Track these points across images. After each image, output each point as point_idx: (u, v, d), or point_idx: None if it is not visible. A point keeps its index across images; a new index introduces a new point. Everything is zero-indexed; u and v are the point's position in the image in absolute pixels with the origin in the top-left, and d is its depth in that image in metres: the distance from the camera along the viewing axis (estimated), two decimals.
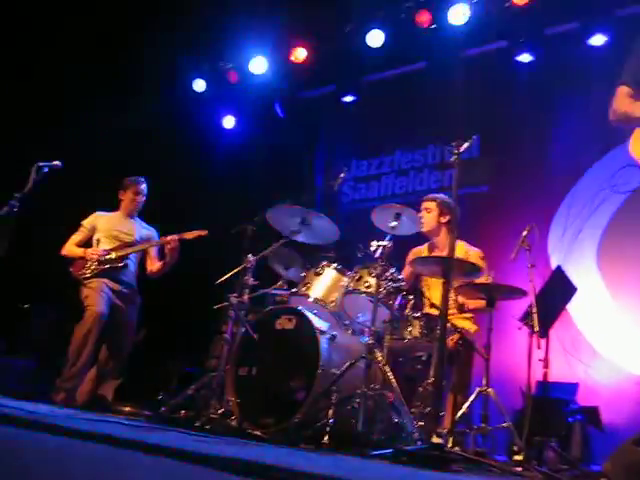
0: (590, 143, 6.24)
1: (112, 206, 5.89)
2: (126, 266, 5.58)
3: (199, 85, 8.19)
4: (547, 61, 6.52)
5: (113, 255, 5.53)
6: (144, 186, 5.84)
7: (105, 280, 5.45)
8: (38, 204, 4.98)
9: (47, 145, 6.04)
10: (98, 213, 5.82)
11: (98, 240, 5.64)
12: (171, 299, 7.05)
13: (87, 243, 5.69)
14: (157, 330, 6.71)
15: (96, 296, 5.33)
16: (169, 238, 5.52)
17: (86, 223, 5.76)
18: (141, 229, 5.83)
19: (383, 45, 7.03)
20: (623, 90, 3.06)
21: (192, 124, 8.15)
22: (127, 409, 5.35)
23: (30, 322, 6.49)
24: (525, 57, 6.54)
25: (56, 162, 4.97)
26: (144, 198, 5.85)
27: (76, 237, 5.70)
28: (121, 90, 7.40)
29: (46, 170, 4.88)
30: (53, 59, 7.22)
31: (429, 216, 5.08)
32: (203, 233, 5.48)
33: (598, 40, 6.15)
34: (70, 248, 5.64)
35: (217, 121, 8.49)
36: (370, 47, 7.06)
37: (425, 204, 5.16)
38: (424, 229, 5.04)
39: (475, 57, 7.02)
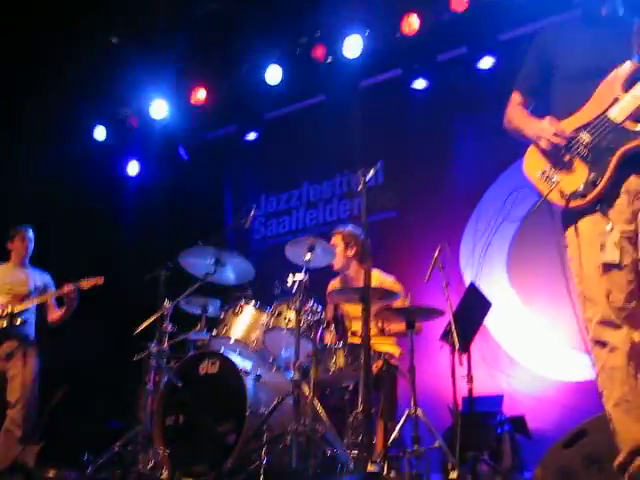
0: (490, 160, 6.46)
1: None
2: (24, 322, 5.45)
3: (100, 132, 8.04)
4: (441, 85, 6.73)
5: (9, 309, 5.36)
6: (30, 233, 5.78)
7: None
8: None
9: None
10: None
11: None
12: (88, 354, 6.85)
13: None
14: (76, 388, 6.49)
15: None
16: (66, 289, 5.48)
17: None
18: (35, 277, 5.70)
19: (282, 81, 7.09)
20: (516, 97, 3.17)
21: (96, 172, 8.00)
22: (51, 474, 5.13)
23: None
24: (420, 83, 6.72)
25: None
26: (32, 245, 5.78)
27: None
28: (25, 139, 7.23)
29: None
30: None
31: (337, 251, 5.07)
32: (100, 281, 5.50)
33: (486, 63, 6.39)
34: None
35: (121, 168, 8.34)
36: (269, 84, 7.11)
37: (332, 240, 5.16)
38: (335, 267, 5.06)
39: (372, 86, 7.17)
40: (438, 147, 6.76)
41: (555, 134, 2.83)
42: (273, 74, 7.05)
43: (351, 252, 5.04)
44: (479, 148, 6.48)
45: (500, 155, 6.19)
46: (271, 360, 4.60)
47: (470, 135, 6.60)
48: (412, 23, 6.34)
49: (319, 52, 6.83)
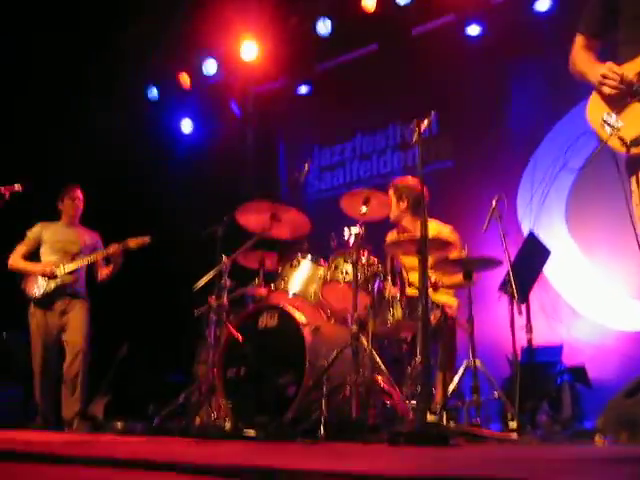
0: (546, 108, 6.30)
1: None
2: (76, 279, 5.62)
3: (153, 92, 8.11)
4: (496, 31, 6.55)
5: (62, 270, 5.51)
6: (79, 191, 5.87)
7: (47, 313, 5.52)
8: None
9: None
10: (42, 223, 5.80)
11: (43, 252, 5.67)
12: (150, 309, 7.02)
13: (33, 253, 5.69)
14: (139, 342, 6.67)
15: (35, 338, 5.52)
16: (112, 249, 5.62)
17: (31, 234, 5.75)
18: (84, 236, 5.83)
19: (331, 32, 7.01)
20: (580, 40, 3.09)
21: (151, 130, 8.09)
22: (119, 425, 5.32)
23: (8, 350, 6.40)
24: (474, 29, 6.57)
25: (16, 185, 5.01)
26: (81, 203, 5.88)
27: (21, 248, 5.69)
28: (83, 96, 7.36)
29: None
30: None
31: (391, 204, 5.04)
32: (146, 240, 5.60)
33: (543, 5, 6.19)
34: (17, 261, 5.64)
35: (175, 126, 8.41)
36: (319, 35, 7.04)
37: (391, 190, 5.14)
38: (390, 219, 5.03)
39: (424, 34, 7.02)
40: (493, 95, 6.62)
41: (620, 77, 2.77)
42: (323, 26, 6.97)
43: (404, 204, 4.99)
44: (535, 95, 6.33)
45: (557, 102, 6.03)
46: (329, 312, 4.63)
47: (526, 82, 6.44)
48: None
49: (369, 1, 6.69)
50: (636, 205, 2.82)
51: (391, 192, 5.07)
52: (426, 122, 3.74)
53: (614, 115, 2.80)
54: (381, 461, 2.36)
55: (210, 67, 7.73)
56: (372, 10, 6.70)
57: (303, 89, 7.58)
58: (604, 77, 2.81)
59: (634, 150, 2.71)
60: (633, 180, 2.82)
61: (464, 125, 6.78)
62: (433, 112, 3.80)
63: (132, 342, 6.66)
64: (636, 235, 2.81)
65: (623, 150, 2.74)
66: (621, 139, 2.74)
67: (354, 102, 7.38)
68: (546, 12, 6.23)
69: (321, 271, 4.50)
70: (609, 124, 2.80)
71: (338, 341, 4.23)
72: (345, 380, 3.88)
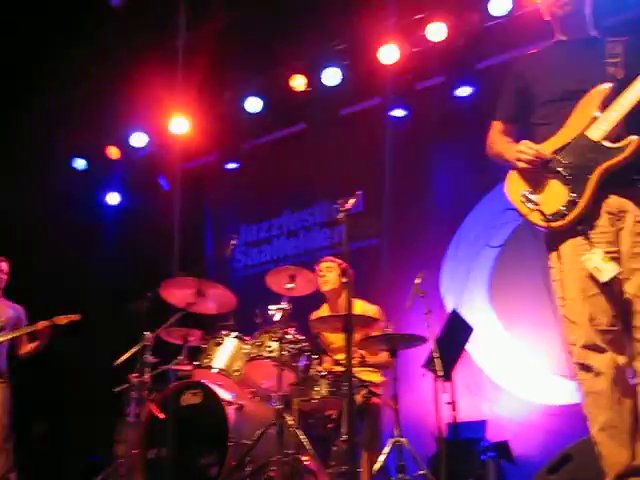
0: (469, 187, 6.51)
1: None
2: None
3: (79, 163, 8.02)
4: (419, 113, 6.80)
5: None
6: (4, 264, 5.73)
7: None
8: None
9: None
10: None
11: None
12: (69, 386, 6.78)
13: None
14: (56, 421, 6.41)
15: None
16: (40, 325, 5.45)
17: None
18: (7, 310, 5.63)
19: (261, 110, 7.14)
20: (496, 126, 3.18)
21: (76, 203, 7.96)
22: None
23: None
24: (399, 112, 6.80)
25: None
26: (5, 277, 5.72)
27: None
28: (4, 170, 7.21)
29: None
30: None
31: (331, 275, 5.07)
32: (75, 318, 5.49)
33: (464, 91, 6.48)
34: None
35: (101, 198, 8.31)
36: (248, 113, 7.15)
37: (326, 264, 5.16)
38: (326, 288, 5.04)
39: (352, 115, 7.22)
40: (418, 174, 6.81)
41: (535, 154, 2.85)
42: (253, 103, 7.10)
43: (345, 280, 5.03)
44: (458, 175, 6.54)
45: (479, 181, 6.25)
46: (253, 390, 4.57)
47: (449, 162, 6.67)
48: (391, 52, 6.41)
49: (298, 81, 6.87)
50: (554, 281, 2.86)
51: (334, 265, 5.10)
52: (352, 200, 3.80)
53: (533, 191, 2.86)
54: None
55: (139, 140, 7.72)
56: (301, 89, 6.87)
57: (231, 165, 7.64)
58: (520, 152, 2.89)
59: (555, 224, 2.77)
60: (553, 256, 2.86)
61: (390, 203, 6.93)
62: (359, 191, 3.86)
63: (50, 421, 6.41)
64: (552, 312, 2.88)
65: (544, 224, 2.79)
66: (542, 213, 2.80)
67: (282, 179, 7.47)
68: (467, 97, 6.51)
69: (246, 348, 4.45)
70: (529, 200, 2.86)
71: (262, 419, 4.17)
72: (269, 460, 3.80)
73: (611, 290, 2.70)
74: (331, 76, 6.70)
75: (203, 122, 7.45)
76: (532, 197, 2.86)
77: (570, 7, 3.04)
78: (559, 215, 2.75)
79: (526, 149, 2.87)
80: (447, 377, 4.47)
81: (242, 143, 7.66)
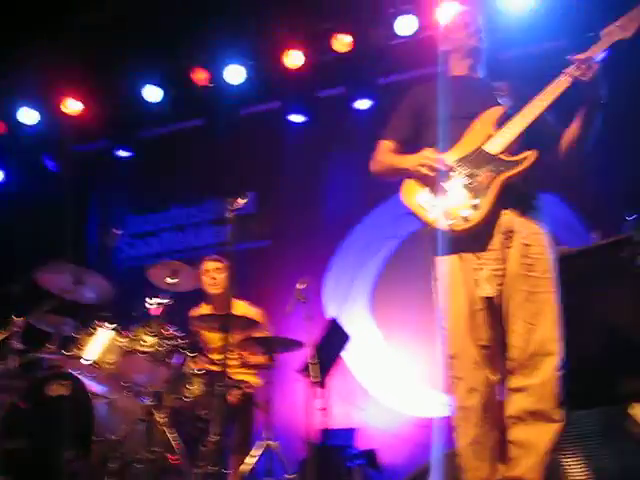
0: (361, 197, 6.62)
1: None
2: None
3: None
4: (318, 121, 6.86)
5: None
6: None
7: None
8: None
9: None
10: None
11: None
12: None
13: None
14: None
15: None
16: None
17: None
18: None
19: (160, 101, 6.99)
20: (385, 144, 3.21)
21: None
22: None
23: None
24: (297, 117, 6.84)
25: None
26: None
27: None
28: None
29: None
30: None
31: (221, 277, 4.97)
32: None
33: (363, 104, 6.60)
34: None
35: None
36: (147, 102, 6.99)
37: (215, 265, 5.06)
38: (216, 291, 4.96)
39: (252, 115, 7.19)
40: (311, 181, 6.86)
41: (438, 160, 2.91)
42: (152, 93, 6.94)
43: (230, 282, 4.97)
44: (351, 185, 6.63)
45: (370, 193, 6.36)
46: (126, 384, 4.45)
47: (343, 171, 6.75)
48: (295, 58, 6.45)
49: (201, 75, 6.79)
50: (437, 294, 2.91)
51: (222, 265, 5.02)
52: (242, 200, 3.78)
53: (434, 195, 2.90)
54: None
55: (28, 116, 7.38)
56: (204, 84, 6.79)
57: (123, 153, 7.43)
58: (425, 158, 2.93)
59: (456, 227, 2.81)
60: (439, 269, 2.90)
61: (281, 207, 6.95)
62: (250, 192, 3.85)
63: None
64: (433, 325, 2.92)
65: (445, 227, 2.82)
66: (445, 216, 2.83)
67: (174, 173, 7.34)
68: (366, 110, 6.63)
69: (121, 341, 4.34)
70: (430, 204, 2.90)
71: (132, 415, 4.07)
72: (135, 457, 3.72)
73: (493, 307, 2.80)
74: (234, 74, 6.66)
75: (98, 106, 7.22)
76: (433, 202, 2.90)
77: (478, 39, 3.20)
78: (462, 219, 2.81)
79: (431, 155, 2.93)
80: (321, 384, 4.51)
81: (137, 132, 7.48)
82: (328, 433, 4.76)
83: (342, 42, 6.28)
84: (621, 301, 3.48)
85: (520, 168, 2.83)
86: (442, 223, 2.83)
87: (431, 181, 2.92)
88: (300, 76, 6.59)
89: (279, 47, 6.49)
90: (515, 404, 2.72)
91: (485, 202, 2.80)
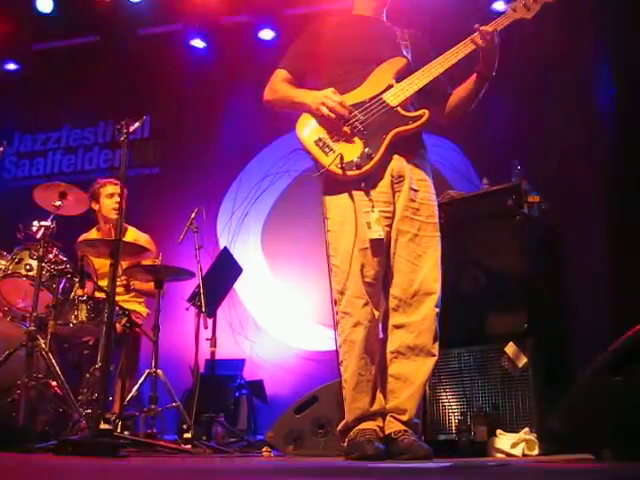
0: (259, 130, 6.55)
1: None
2: None
3: None
4: (221, 48, 6.70)
5: None
6: None
7: None
8: None
9: None
10: None
11: None
12: None
13: None
14: None
15: None
16: None
17: None
18: None
19: (53, 13, 6.61)
20: (281, 73, 3.16)
21: None
22: None
23: None
24: (198, 42, 6.65)
25: None
26: None
27: None
28: None
29: None
30: None
31: (114, 201, 4.81)
32: None
33: (267, 34, 6.48)
34: None
35: None
36: (41, 13, 6.59)
37: (116, 188, 4.82)
38: (116, 215, 4.78)
39: (151, 37, 6.94)
40: (210, 109, 6.73)
41: (340, 103, 2.89)
42: (45, 4, 6.54)
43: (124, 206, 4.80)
44: (250, 117, 6.55)
45: (269, 127, 6.31)
46: (6, 309, 4.30)
47: (243, 102, 6.65)
48: None
49: None
50: (328, 231, 2.96)
51: (118, 189, 4.83)
52: (137, 124, 3.64)
53: (331, 138, 2.91)
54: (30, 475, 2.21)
55: None
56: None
57: (11, 66, 7.02)
58: (326, 98, 2.90)
59: (350, 172, 2.85)
60: (331, 207, 2.95)
61: (177, 133, 6.80)
62: (145, 115, 3.72)
63: None
64: (328, 260, 2.97)
65: (339, 172, 2.84)
66: (339, 161, 2.86)
67: (66, 92, 7.00)
68: (269, 41, 6.52)
69: (2, 264, 4.16)
70: (326, 145, 2.90)
71: (12, 341, 3.93)
72: (15, 383, 3.61)
73: (381, 246, 2.87)
74: None
75: None
76: (329, 143, 2.91)
77: None
78: (354, 165, 2.84)
79: (333, 96, 2.90)
80: (210, 314, 4.52)
81: (27, 45, 7.06)
82: (216, 363, 4.80)
83: None
84: (504, 247, 3.63)
85: (414, 125, 2.91)
86: (335, 167, 2.86)
87: (329, 123, 2.92)
88: (204, 0, 6.38)
89: None
90: (396, 340, 2.86)
91: (378, 153, 2.86)
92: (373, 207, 2.86)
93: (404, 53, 3.06)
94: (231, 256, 5.07)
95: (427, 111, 2.92)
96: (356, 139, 2.89)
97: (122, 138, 3.49)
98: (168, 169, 6.78)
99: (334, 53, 3.10)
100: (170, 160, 6.79)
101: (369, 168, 2.85)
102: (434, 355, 2.85)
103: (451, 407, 3.57)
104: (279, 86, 3.15)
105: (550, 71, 5.58)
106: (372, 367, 2.82)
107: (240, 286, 5.84)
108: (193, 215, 4.56)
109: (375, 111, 2.92)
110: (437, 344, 2.86)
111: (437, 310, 2.87)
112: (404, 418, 2.80)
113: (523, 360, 3.36)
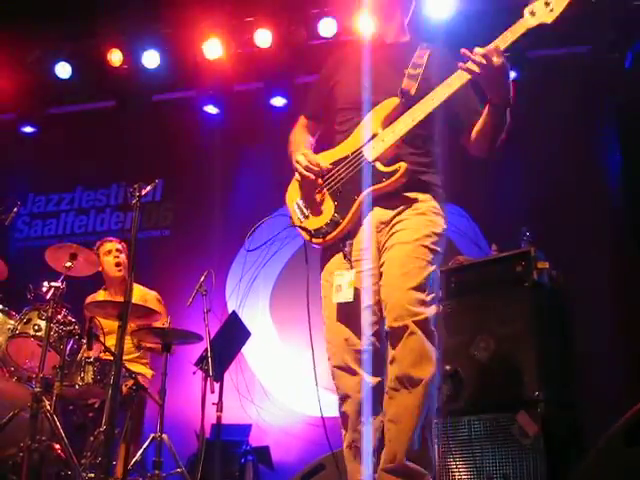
0: (270, 194, 6.60)
1: None
2: None
3: None
4: (232, 114, 6.81)
5: None
6: None
7: None
8: None
9: None
10: None
11: None
12: None
13: None
14: None
15: None
16: None
17: None
18: None
19: (70, 78, 6.77)
20: (301, 119, 3.12)
21: None
22: None
23: None
24: (211, 108, 6.77)
25: None
26: None
27: None
28: None
29: None
30: None
31: (123, 258, 4.94)
32: None
33: (278, 101, 6.60)
34: None
35: None
36: (58, 78, 6.76)
37: (114, 244, 5.00)
38: (121, 274, 4.89)
39: (165, 102, 7.08)
40: (221, 173, 6.80)
41: (307, 167, 2.77)
42: (64, 69, 6.72)
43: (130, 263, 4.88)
44: (261, 181, 6.62)
45: (278, 193, 6.36)
46: (13, 369, 4.28)
47: (254, 167, 6.73)
48: (214, 49, 6.37)
49: (115, 56, 6.61)
50: (323, 297, 2.83)
51: (123, 248, 4.94)
52: (149, 187, 3.69)
53: (305, 203, 2.82)
54: None
55: None
56: (117, 65, 6.62)
57: (28, 129, 7.16)
58: (297, 162, 2.81)
59: (315, 240, 2.74)
60: (324, 272, 2.82)
61: (188, 197, 6.86)
62: (158, 179, 3.76)
63: None
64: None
65: (307, 238, 2.76)
66: (308, 227, 2.76)
67: (81, 154, 7.11)
68: (281, 108, 6.63)
69: (10, 323, 4.17)
70: (301, 211, 2.82)
71: (17, 402, 3.90)
72: (19, 445, 3.57)
73: (357, 309, 2.66)
74: (150, 58, 6.53)
75: (5, 78, 6.91)
76: (303, 208, 2.82)
77: None
78: (321, 233, 2.73)
79: (303, 159, 2.79)
80: (217, 378, 4.48)
81: (45, 108, 7.22)
82: (222, 428, 4.73)
83: (264, 37, 6.25)
84: (513, 313, 3.61)
85: (386, 183, 2.65)
86: (304, 233, 2.78)
87: (307, 184, 2.82)
88: (218, 67, 6.52)
89: (199, 35, 6.41)
90: (389, 377, 2.59)
91: (346, 218, 2.69)
92: (351, 267, 2.65)
93: (406, 87, 2.74)
94: (239, 320, 5.05)
95: (403, 165, 2.62)
96: (329, 202, 2.74)
97: (134, 201, 3.53)
98: (179, 231, 6.82)
99: (336, 97, 2.96)
100: (181, 223, 6.84)
101: (333, 237, 2.70)
102: (420, 380, 2.48)
103: (461, 476, 3.49)
104: (293, 136, 3.11)
105: (559, 136, 5.65)
106: (371, 437, 2.60)
107: (248, 350, 5.80)
108: (202, 278, 4.57)
109: (352, 167, 2.72)
110: (429, 362, 2.50)
111: (429, 329, 2.53)
112: (392, 466, 2.49)
113: (534, 429, 3.30)
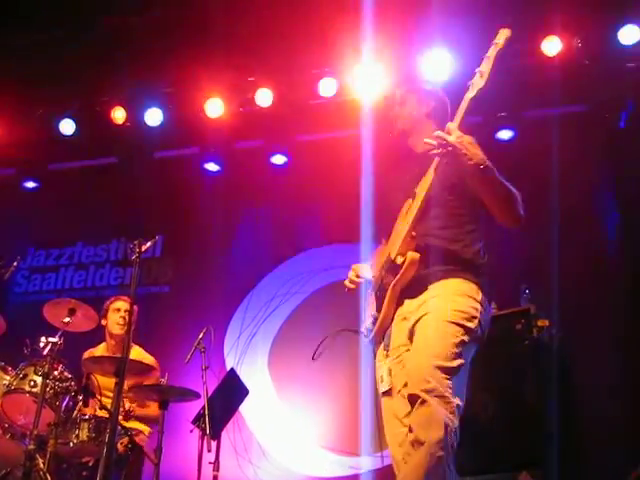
0: (269, 251, 6.63)
1: None
2: None
3: None
4: (234, 172, 6.88)
5: None
6: None
7: None
8: None
9: None
10: None
11: None
12: None
13: None
14: None
15: None
16: None
17: None
18: None
19: (74, 134, 6.86)
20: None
21: None
22: None
23: None
24: (212, 166, 6.85)
25: None
26: None
27: None
28: None
29: None
30: None
31: (121, 315, 4.89)
32: None
33: (279, 159, 6.67)
34: None
35: None
36: (61, 135, 6.84)
37: (126, 304, 4.88)
38: (123, 332, 4.83)
39: (167, 159, 7.15)
40: (222, 230, 6.82)
41: (351, 280, 3.09)
42: (67, 126, 6.81)
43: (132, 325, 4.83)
44: (261, 239, 6.65)
45: (278, 250, 6.40)
46: (6, 425, 4.22)
47: (254, 224, 6.76)
48: (217, 107, 6.47)
49: (118, 114, 6.71)
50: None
51: (127, 306, 4.91)
52: (149, 244, 3.71)
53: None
54: None
55: None
56: (120, 122, 6.71)
57: (30, 184, 7.22)
58: (350, 279, 3.11)
59: (366, 339, 2.99)
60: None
61: (188, 253, 6.87)
62: (157, 235, 3.78)
63: None
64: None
65: (363, 337, 3.04)
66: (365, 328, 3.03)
67: (82, 209, 7.16)
68: (281, 165, 6.69)
69: (6, 379, 4.13)
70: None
71: (10, 459, 3.85)
72: None
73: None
74: (152, 116, 6.62)
75: (8, 134, 7.00)
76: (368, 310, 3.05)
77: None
78: (369, 331, 2.96)
79: (349, 274, 3.10)
80: (215, 436, 4.41)
81: (47, 164, 7.29)
82: None
83: (265, 96, 6.35)
84: (514, 372, 3.58)
85: (400, 274, 2.79)
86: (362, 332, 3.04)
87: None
88: (219, 125, 6.61)
89: (201, 95, 6.51)
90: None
91: (381, 314, 2.88)
92: (387, 356, 2.85)
93: (426, 184, 2.81)
94: (238, 378, 5.01)
95: (410, 255, 2.77)
96: (373, 303, 2.98)
97: (134, 257, 3.55)
98: (178, 288, 6.81)
99: (387, 210, 3.16)
100: (180, 279, 6.83)
101: (374, 333, 2.92)
102: (425, 441, 2.49)
103: None
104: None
105: (556, 193, 5.68)
106: None
107: (246, 408, 5.73)
108: (201, 335, 4.55)
109: (385, 269, 2.94)
110: (438, 426, 2.50)
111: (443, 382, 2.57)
112: None
113: None
